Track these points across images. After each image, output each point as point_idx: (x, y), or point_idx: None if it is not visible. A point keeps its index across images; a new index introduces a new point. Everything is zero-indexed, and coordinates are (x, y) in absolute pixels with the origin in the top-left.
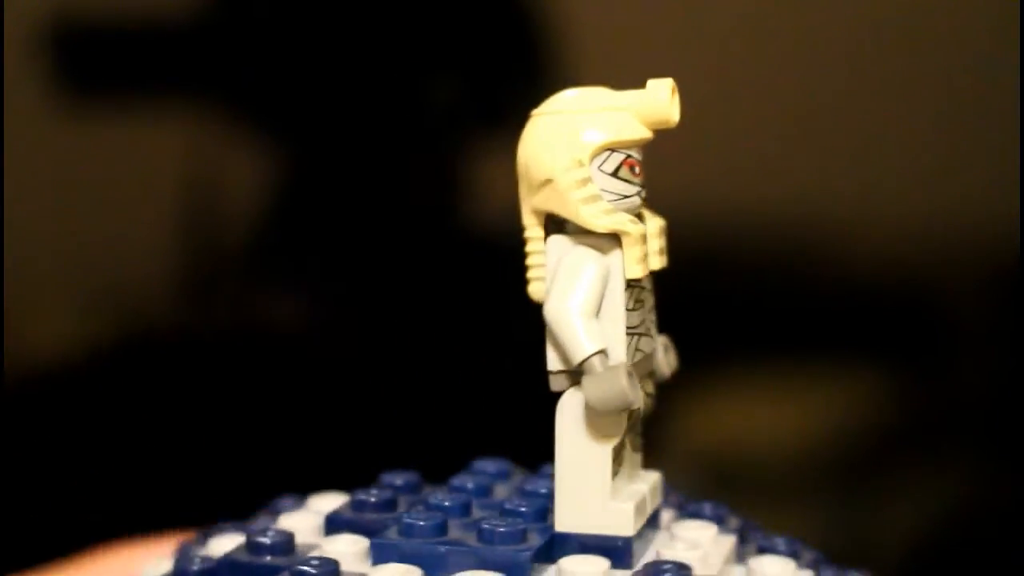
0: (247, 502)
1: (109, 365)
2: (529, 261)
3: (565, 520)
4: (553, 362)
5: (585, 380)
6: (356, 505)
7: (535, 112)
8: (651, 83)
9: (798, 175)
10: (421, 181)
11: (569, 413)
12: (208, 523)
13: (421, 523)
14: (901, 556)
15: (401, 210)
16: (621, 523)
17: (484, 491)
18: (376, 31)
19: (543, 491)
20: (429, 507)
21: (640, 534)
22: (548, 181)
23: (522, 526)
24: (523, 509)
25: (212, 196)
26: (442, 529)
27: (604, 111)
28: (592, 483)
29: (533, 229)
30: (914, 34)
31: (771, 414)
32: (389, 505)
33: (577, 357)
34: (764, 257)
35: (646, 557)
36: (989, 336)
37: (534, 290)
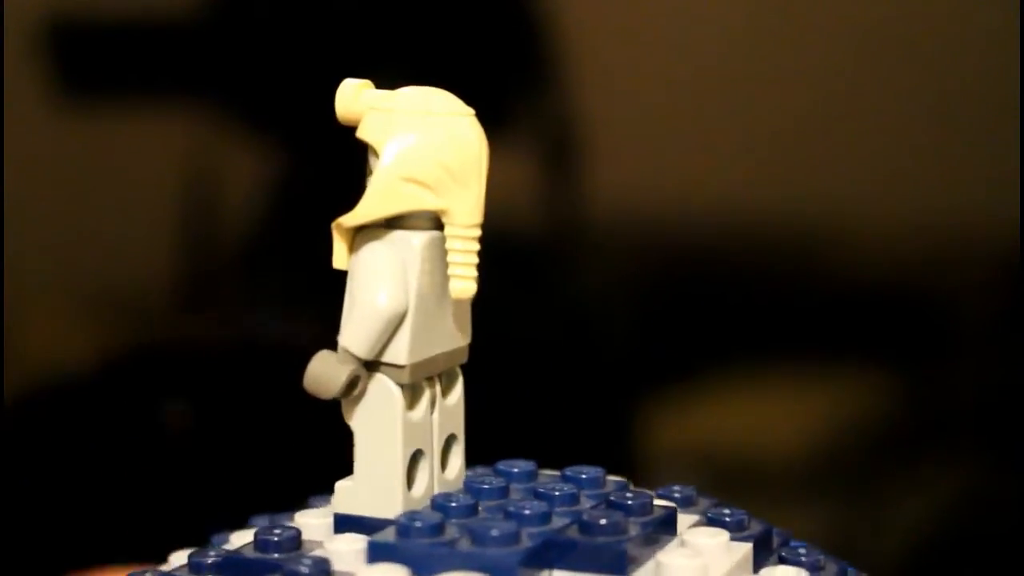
0: (252, 506)
1: (108, 365)
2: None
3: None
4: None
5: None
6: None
7: (465, 111)
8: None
9: (798, 174)
10: None
11: None
12: (210, 526)
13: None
14: (901, 556)
15: None
16: None
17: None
18: (375, 30)
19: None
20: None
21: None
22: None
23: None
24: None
25: (213, 196)
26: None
27: None
28: None
29: None
30: (913, 33)
31: (772, 414)
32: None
33: None
34: (764, 257)
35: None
36: (989, 336)
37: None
